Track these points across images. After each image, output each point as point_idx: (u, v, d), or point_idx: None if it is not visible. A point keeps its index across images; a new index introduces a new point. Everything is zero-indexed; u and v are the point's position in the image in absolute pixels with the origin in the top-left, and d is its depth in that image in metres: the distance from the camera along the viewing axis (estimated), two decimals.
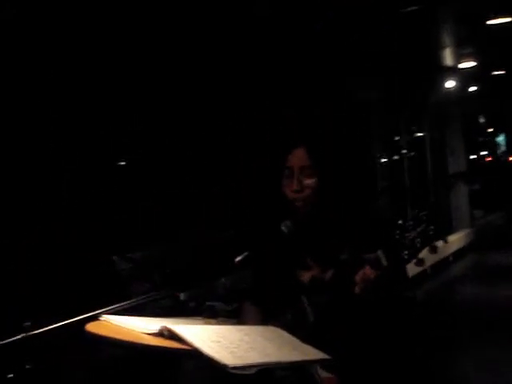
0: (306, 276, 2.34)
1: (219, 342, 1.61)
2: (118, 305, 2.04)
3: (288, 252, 2.34)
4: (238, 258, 2.19)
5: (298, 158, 2.29)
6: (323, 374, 2.22)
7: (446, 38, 8.46)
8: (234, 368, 1.47)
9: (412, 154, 11.33)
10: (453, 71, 9.53)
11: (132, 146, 4.18)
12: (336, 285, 2.26)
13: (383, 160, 10.97)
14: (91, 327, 1.78)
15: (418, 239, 2.07)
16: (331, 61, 5.97)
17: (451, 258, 11.47)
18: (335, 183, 2.33)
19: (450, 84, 9.81)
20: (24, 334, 1.84)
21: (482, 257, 11.85)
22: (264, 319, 2.31)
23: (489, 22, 6.82)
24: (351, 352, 2.30)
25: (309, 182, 2.28)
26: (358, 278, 2.04)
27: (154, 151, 4.35)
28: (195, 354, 1.54)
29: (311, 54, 5.58)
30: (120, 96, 4.16)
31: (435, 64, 9.42)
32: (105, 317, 1.89)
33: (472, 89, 11.21)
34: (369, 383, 2.38)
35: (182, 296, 2.40)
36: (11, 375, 1.88)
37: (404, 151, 10.60)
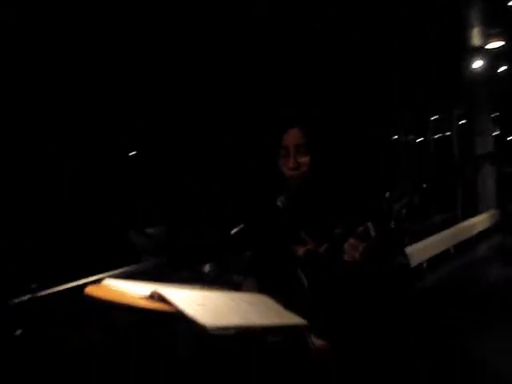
0: (301, 250, 2.46)
1: (204, 305, 1.75)
2: (120, 269, 2.19)
3: (284, 227, 2.47)
4: (234, 230, 2.32)
5: (293, 136, 2.41)
6: (317, 342, 2.36)
7: (474, 18, 8.41)
8: (213, 328, 1.60)
9: (439, 135, 11.33)
10: (479, 51, 9.47)
11: (132, 145, 4.33)
12: (330, 258, 2.39)
13: (417, 140, 11.05)
14: (90, 290, 1.93)
15: (404, 210, 2.22)
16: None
17: (475, 239, 11.49)
18: (329, 161, 2.46)
19: (476, 64, 9.76)
20: (30, 295, 2.00)
21: (507, 238, 11.82)
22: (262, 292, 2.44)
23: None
24: (345, 321, 2.43)
25: (304, 159, 2.41)
26: (346, 247, 2.20)
27: (153, 149, 4.50)
28: (179, 316, 1.68)
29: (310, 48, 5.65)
30: (121, 96, 4.28)
31: (461, 44, 9.37)
32: (105, 281, 2.04)
33: (502, 69, 11.10)
34: (361, 351, 2.52)
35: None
36: (19, 332, 2.04)
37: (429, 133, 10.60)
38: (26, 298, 2.01)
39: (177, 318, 1.70)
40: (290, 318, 1.89)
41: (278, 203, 2.40)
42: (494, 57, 10.14)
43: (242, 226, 2.33)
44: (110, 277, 2.09)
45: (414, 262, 9.09)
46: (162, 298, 1.78)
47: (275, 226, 2.45)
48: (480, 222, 12.00)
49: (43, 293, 2.05)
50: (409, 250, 9.22)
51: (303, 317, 2.14)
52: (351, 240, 2.15)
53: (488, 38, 8.82)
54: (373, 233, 2.17)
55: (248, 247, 2.44)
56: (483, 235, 11.82)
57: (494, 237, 12.07)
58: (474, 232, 11.54)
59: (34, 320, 2.10)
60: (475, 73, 10.55)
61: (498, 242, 11.83)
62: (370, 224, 2.18)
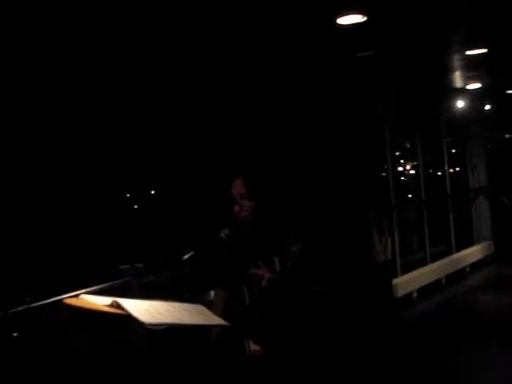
0: (259, 272, 3.12)
1: (148, 309, 2.38)
2: (95, 287, 2.84)
3: (225, 254, 3.13)
4: (186, 256, 2.96)
5: (238, 186, 3.11)
6: (253, 346, 3.00)
7: (456, 62, 9.06)
8: (150, 324, 2.23)
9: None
10: (463, 92, 10.12)
11: None
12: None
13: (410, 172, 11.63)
14: (68, 301, 2.57)
15: (297, 252, 2.95)
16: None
17: (468, 269, 11.94)
18: (266, 206, 3.15)
19: (461, 104, 10.44)
20: (25, 306, 2.64)
21: (501, 269, 12.23)
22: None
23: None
24: (276, 330, 3.07)
25: (246, 204, 3.09)
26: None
27: None
28: (129, 317, 2.32)
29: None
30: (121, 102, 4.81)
31: (447, 85, 10.01)
32: (82, 295, 2.68)
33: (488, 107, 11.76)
34: (289, 357, 3.16)
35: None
36: (15, 334, 2.68)
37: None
38: (21, 308, 2.66)
39: (127, 318, 2.33)
40: (216, 321, 2.51)
41: (221, 235, 3.05)
42: (482, 96, 10.83)
43: (192, 252, 2.97)
44: (86, 293, 2.73)
45: (403, 291, 9.60)
46: (118, 306, 2.42)
47: (218, 253, 3.10)
48: (474, 252, 12.46)
49: (35, 304, 2.70)
50: (399, 279, 9.76)
51: (244, 325, 2.82)
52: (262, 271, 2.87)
53: (468, 80, 9.49)
54: (277, 267, 2.92)
55: (197, 269, 3.09)
56: (477, 266, 12.26)
57: (489, 267, 12.50)
58: (468, 263, 12.00)
59: (27, 325, 2.76)
60: (466, 110, 11.23)
61: (492, 273, 12.26)
62: (276, 259, 2.92)
